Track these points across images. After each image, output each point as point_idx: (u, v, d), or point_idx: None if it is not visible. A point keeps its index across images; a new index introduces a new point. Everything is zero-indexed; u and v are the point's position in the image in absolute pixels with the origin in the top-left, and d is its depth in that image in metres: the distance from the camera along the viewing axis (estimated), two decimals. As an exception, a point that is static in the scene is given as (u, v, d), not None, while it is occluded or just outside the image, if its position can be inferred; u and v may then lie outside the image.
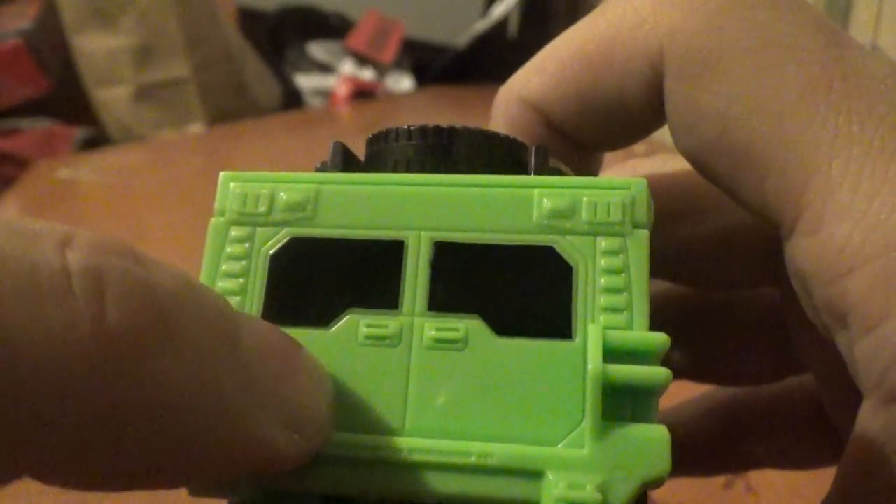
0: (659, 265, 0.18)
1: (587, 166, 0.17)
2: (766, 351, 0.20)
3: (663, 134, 0.17)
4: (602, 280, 0.13)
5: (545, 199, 0.13)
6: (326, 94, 1.20)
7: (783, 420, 0.20)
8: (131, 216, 0.71)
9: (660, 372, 0.12)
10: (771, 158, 0.13)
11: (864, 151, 0.12)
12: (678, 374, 0.21)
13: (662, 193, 0.17)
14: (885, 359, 0.12)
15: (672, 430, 0.17)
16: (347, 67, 1.23)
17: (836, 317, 0.13)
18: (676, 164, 0.17)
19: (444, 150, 0.15)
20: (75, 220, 0.73)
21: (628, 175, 0.18)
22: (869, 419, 0.13)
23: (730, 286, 0.19)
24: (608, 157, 0.18)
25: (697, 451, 0.21)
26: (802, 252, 0.13)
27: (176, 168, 0.88)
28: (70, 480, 0.09)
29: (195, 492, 0.12)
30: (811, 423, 0.20)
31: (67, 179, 0.83)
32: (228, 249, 0.14)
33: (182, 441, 0.10)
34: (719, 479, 0.33)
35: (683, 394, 0.21)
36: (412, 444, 0.12)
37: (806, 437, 0.20)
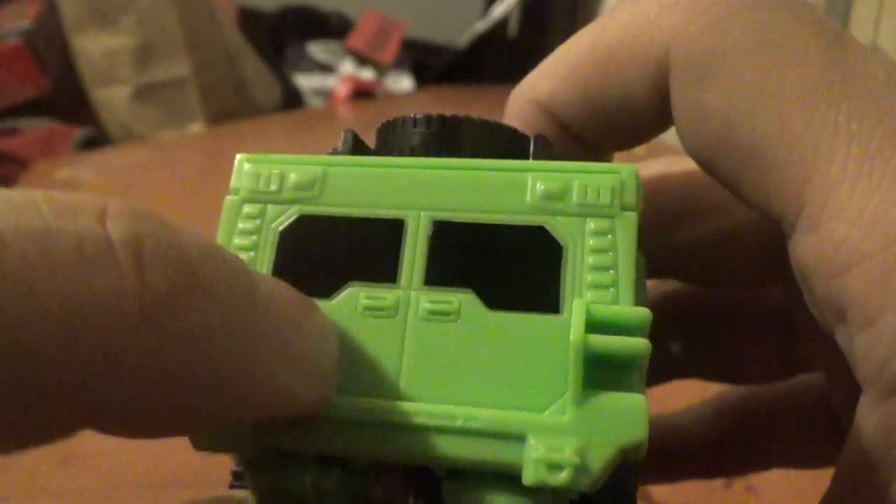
0: (668, 264, 0.18)
1: None
2: (775, 349, 0.20)
3: (665, 135, 0.17)
4: (590, 258, 0.13)
5: (538, 182, 0.14)
6: (326, 94, 1.20)
7: (792, 420, 0.20)
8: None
9: (639, 342, 0.12)
10: (772, 157, 0.13)
11: (862, 150, 0.13)
12: (686, 373, 0.21)
13: (671, 193, 0.18)
14: (883, 353, 0.12)
15: (681, 432, 0.17)
16: (347, 67, 1.23)
17: (836, 312, 0.13)
18: (684, 164, 0.17)
19: (448, 138, 0.15)
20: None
21: None
22: (867, 413, 0.13)
23: (738, 284, 0.19)
24: (616, 157, 0.19)
25: (708, 453, 0.21)
26: (803, 248, 0.13)
27: (176, 168, 0.89)
28: (119, 427, 0.11)
29: (200, 445, 0.13)
30: (820, 422, 0.20)
31: (67, 179, 0.83)
32: (241, 225, 0.15)
33: (210, 386, 0.11)
34: (719, 479, 0.33)
35: (692, 394, 0.21)
36: (404, 407, 0.13)
37: (815, 436, 0.20)
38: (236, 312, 0.11)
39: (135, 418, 0.10)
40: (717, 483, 0.33)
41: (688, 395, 0.22)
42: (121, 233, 0.10)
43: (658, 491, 0.34)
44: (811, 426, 0.20)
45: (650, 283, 0.19)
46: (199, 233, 0.11)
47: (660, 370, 0.20)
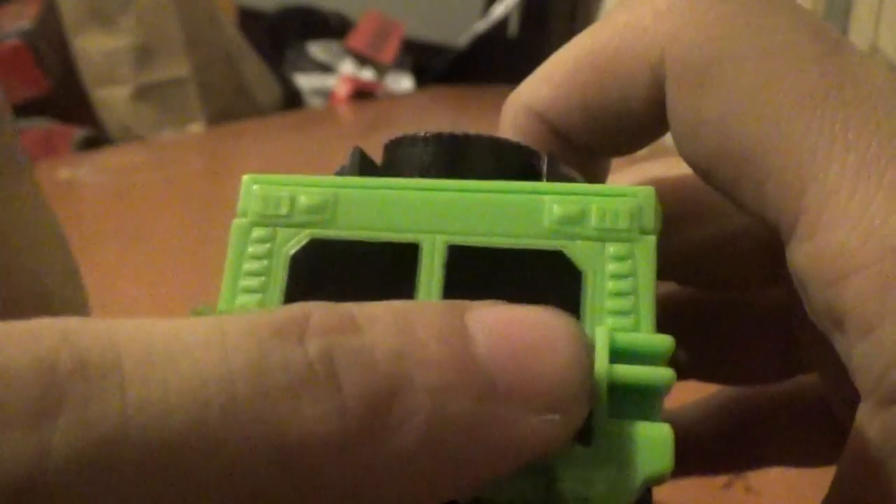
0: (666, 267, 0.18)
1: (594, 172, 0.18)
2: (773, 351, 0.20)
3: (665, 137, 0.17)
4: (610, 284, 0.13)
5: (555, 206, 0.14)
6: (326, 94, 1.20)
7: (792, 417, 0.20)
8: (131, 216, 0.72)
9: (664, 372, 0.12)
10: (769, 165, 0.13)
11: (860, 158, 0.13)
12: (686, 374, 0.21)
13: (670, 196, 0.18)
14: (881, 362, 0.12)
15: (681, 429, 0.16)
16: (347, 67, 1.23)
17: (834, 320, 0.13)
18: (682, 167, 0.17)
19: (459, 157, 0.15)
20: (75, 220, 0.73)
21: (635, 178, 0.18)
22: (866, 421, 0.13)
23: (736, 288, 0.19)
24: (615, 160, 0.19)
25: (707, 450, 0.21)
26: (800, 256, 0.13)
27: (176, 168, 0.89)
28: None
29: None
30: (820, 420, 0.20)
31: (67, 179, 0.83)
32: (250, 249, 0.14)
33: (435, 477, 0.10)
34: (719, 480, 0.33)
35: (691, 394, 0.21)
36: None
37: (815, 434, 0.20)
38: (453, 392, 0.10)
39: None
40: (717, 483, 0.33)
41: (691, 395, 0.22)
42: (317, 353, 0.10)
43: (658, 491, 0.34)
44: (810, 424, 0.20)
45: None
46: (392, 311, 0.11)
47: None
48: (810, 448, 0.20)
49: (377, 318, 0.11)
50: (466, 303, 0.11)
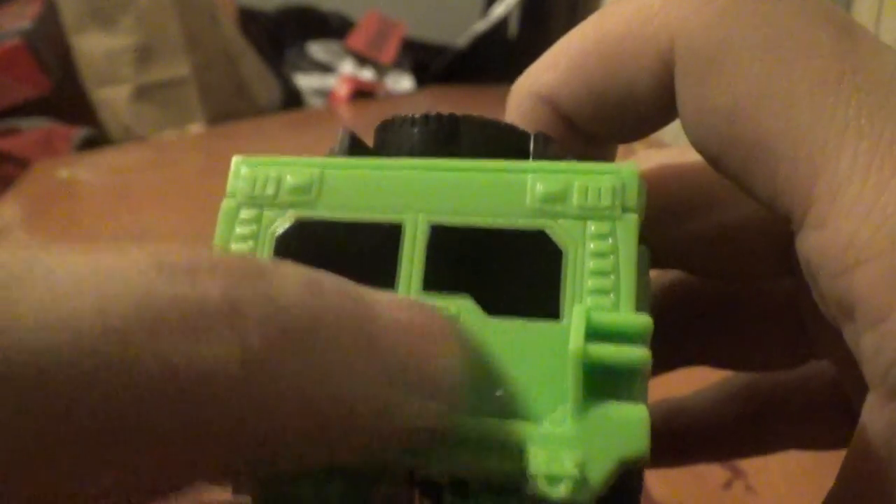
0: (674, 256, 0.18)
1: (600, 158, 0.18)
2: (784, 338, 0.20)
3: (662, 132, 0.17)
4: (591, 263, 0.13)
5: (538, 184, 0.14)
6: (326, 94, 1.20)
7: (806, 402, 0.20)
8: (131, 216, 0.72)
9: (639, 352, 0.12)
10: (780, 152, 0.13)
11: (873, 146, 0.12)
12: (695, 361, 0.21)
13: (678, 184, 0.17)
14: (890, 353, 0.12)
15: (693, 414, 0.16)
16: (347, 67, 1.23)
17: (844, 310, 0.13)
18: (691, 154, 0.17)
19: (447, 137, 0.15)
20: (75, 220, 0.73)
21: (643, 166, 0.18)
22: (873, 414, 0.13)
23: (746, 277, 0.19)
24: (621, 149, 0.18)
25: (719, 435, 0.21)
26: (811, 245, 0.13)
27: (176, 168, 0.89)
28: (231, 483, 0.11)
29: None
30: (835, 403, 0.20)
31: (67, 179, 0.83)
32: (238, 230, 0.14)
33: (327, 434, 0.11)
34: (719, 480, 0.33)
35: (704, 380, 0.21)
36: None
37: (829, 417, 0.20)
38: (352, 358, 0.11)
39: (248, 477, 0.10)
40: (717, 483, 0.33)
41: (697, 380, 0.22)
42: (216, 295, 0.10)
43: (658, 491, 0.34)
44: (824, 408, 0.20)
45: (656, 271, 0.19)
46: (304, 274, 0.11)
47: (668, 358, 0.20)
48: (825, 431, 0.20)
49: (286, 273, 0.11)
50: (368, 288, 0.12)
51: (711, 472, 0.35)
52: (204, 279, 0.10)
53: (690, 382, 0.21)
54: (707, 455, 0.22)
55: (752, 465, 0.35)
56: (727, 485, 0.34)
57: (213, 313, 0.10)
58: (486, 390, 0.13)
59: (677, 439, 0.21)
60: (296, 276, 0.11)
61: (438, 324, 0.12)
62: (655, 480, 0.34)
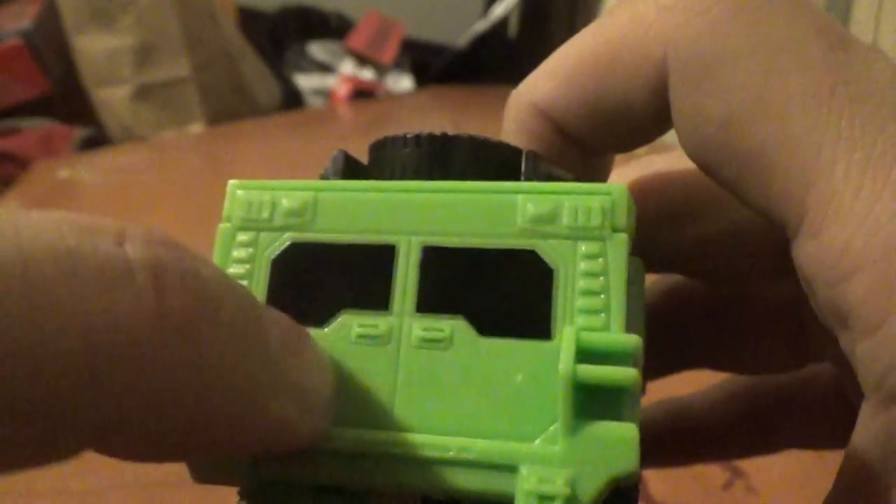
0: (673, 261, 0.18)
1: (597, 168, 0.18)
2: (785, 341, 0.20)
3: (666, 135, 0.17)
4: (581, 283, 0.13)
5: (529, 204, 0.14)
6: (326, 94, 1.20)
7: (806, 402, 0.20)
8: (131, 216, 0.72)
9: (629, 372, 0.12)
10: (774, 162, 0.13)
11: (866, 155, 0.12)
12: (696, 364, 0.21)
13: (676, 190, 0.17)
14: (885, 361, 0.12)
15: (694, 415, 0.16)
16: (347, 67, 1.23)
17: (839, 318, 0.13)
18: (689, 160, 0.17)
19: (439, 158, 0.15)
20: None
21: (641, 172, 0.18)
22: (869, 420, 0.13)
23: (746, 280, 0.19)
24: (618, 159, 0.18)
25: (720, 435, 0.21)
26: (806, 254, 0.13)
27: (176, 168, 0.89)
28: (122, 451, 0.11)
29: (200, 477, 0.13)
30: (834, 402, 0.20)
31: (67, 179, 0.83)
32: (234, 253, 0.15)
33: (216, 416, 0.11)
34: (719, 480, 0.33)
35: (704, 381, 0.21)
36: (397, 438, 0.13)
37: (830, 415, 0.20)
38: (247, 344, 0.11)
39: (140, 441, 0.11)
40: (717, 483, 0.33)
41: (698, 382, 0.22)
42: (141, 256, 0.10)
43: (658, 491, 0.34)
44: (825, 408, 0.20)
45: (656, 275, 0.19)
46: (212, 262, 0.12)
47: (669, 361, 0.20)
48: (827, 430, 0.20)
49: (201, 257, 0.11)
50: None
51: (711, 472, 0.35)
52: (131, 242, 0.10)
53: (692, 383, 0.21)
54: (710, 455, 0.22)
55: (753, 466, 0.35)
56: (727, 485, 0.34)
57: (136, 269, 0.10)
58: (477, 410, 0.13)
59: (680, 439, 0.21)
60: (209, 261, 0.12)
61: (316, 348, 0.13)
62: (655, 480, 0.34)
